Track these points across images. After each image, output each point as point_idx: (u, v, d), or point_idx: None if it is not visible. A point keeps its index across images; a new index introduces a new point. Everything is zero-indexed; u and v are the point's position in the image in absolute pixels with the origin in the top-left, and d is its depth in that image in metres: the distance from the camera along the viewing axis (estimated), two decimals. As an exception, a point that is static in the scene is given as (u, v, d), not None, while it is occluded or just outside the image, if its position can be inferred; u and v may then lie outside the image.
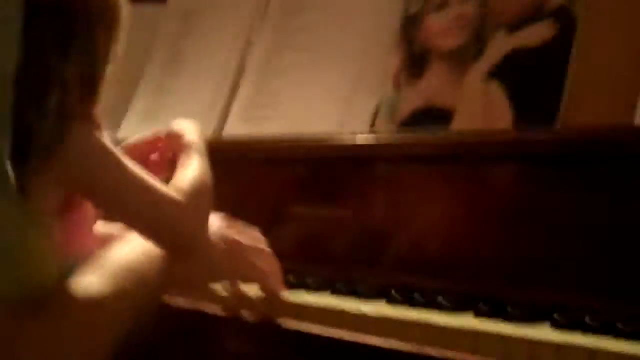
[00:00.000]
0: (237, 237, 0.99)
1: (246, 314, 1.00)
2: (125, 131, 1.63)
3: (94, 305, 0.82)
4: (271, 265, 1.01)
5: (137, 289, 0.86)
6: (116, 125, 1.65)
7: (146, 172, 0.87)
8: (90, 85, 0.85)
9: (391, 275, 1.03)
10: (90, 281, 0.83)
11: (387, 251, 1.06)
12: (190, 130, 0.99)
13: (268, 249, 1.02)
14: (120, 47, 0.88)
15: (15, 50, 0.72)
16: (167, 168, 0.99)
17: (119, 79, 1.75)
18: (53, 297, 0.80)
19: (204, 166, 0.94)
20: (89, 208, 0.90)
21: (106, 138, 0.85)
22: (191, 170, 0.92)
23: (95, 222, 0.93)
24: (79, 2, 0.83)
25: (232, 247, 0.97)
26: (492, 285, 0.93)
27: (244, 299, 1.01)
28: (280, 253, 1.04)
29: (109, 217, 0.95)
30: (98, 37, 0.84)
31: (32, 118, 0.78)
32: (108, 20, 0.85)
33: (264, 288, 1.00)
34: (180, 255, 0.90)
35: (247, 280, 1.01)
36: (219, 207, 1.02)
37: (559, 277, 0.90)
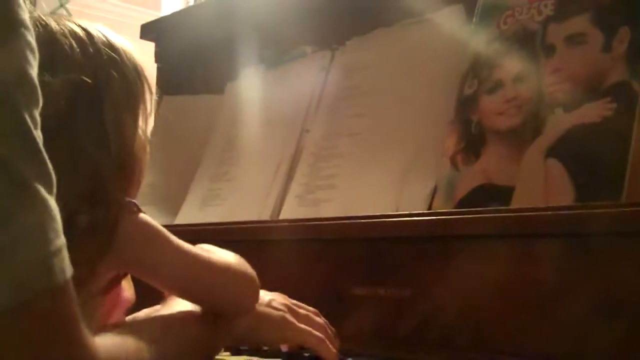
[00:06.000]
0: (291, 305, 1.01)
1: None
2: (183, 217, 1.64)
3: None
4: (324, 334, 1.01)
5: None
6: (174, 212, 1.67)
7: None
8: (127, 172, 0.87)
9: (449, 357, 1.00)
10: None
11: (446, 334, 1.03)
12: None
13: (322, 320, 1.03)
14: (148, 131, 0.91)
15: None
16: None
17: (178, 167, 1.78)
18: None
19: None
20: (123, 289, 0.91)
21: (149, 218, 0.87)
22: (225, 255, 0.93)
23: (127, 303, 0.94)
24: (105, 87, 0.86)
25: (283, 316, 0.99)
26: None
27: None
28: (338, 334, 1.03)
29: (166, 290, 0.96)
30: (126, 123, 0.87)
31: (74, 209, 0.80)
32: (133, 107, 0.88)
33: (317, 351, 1.01)
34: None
35: (296, 343, 1.02)
36: (277, 289, 1.02)
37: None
